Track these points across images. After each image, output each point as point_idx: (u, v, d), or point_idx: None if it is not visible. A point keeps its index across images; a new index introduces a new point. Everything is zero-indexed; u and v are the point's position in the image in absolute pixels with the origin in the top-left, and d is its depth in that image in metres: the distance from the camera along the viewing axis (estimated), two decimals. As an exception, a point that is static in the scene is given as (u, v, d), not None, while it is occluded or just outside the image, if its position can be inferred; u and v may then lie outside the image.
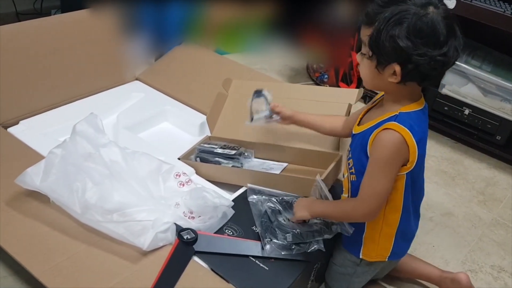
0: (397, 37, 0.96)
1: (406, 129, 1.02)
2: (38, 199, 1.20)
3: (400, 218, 1.15)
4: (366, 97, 2.37)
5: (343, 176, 1.22)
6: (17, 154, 1.38)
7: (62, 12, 2.47)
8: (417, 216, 1.23)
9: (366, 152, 1.07)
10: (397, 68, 0.99)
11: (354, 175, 1.14)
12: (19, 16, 2.54)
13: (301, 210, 1.19)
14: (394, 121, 1.03)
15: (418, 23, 0.95)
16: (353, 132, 1.17)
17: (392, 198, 1.11)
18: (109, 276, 1.05)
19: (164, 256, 1.10)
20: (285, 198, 1.27)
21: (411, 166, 1.06)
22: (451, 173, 1.93)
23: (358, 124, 1.17)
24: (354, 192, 1.14)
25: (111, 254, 1.10)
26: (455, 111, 2.07)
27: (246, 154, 1.52)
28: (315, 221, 1.20)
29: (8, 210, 1.18)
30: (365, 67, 1.06)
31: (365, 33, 1.02)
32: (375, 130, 1.05)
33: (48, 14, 2.60)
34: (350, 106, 1.47)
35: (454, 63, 1.01)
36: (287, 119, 1.38)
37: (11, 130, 1.49)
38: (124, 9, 2.00)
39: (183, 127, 1.72)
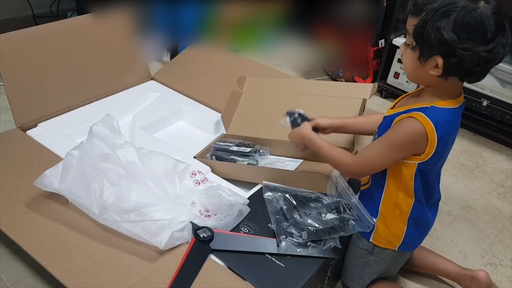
0: (443, 29, 0.94)
1: (431, 123, 1.01)
2: (57, 200, 1.22)
3: (412, 205, 1.14)
4: (382, 91, 2.36)
5: None
6: (36, 156, 1.41)
7: (78, 14, 2.51)
8: (432, 210, 1.22)
9: None
10: (440, 60, 0.98)
11: None
12: (36, 19, 2.57)
13: (297, 139, 1.25)
14: (423, 112, 1.02)
15: (466, 17, 0.93)
16: (385, 115, 1.17)
17: (403, 182, 1.12)
18: (127, 275, 1.07)
19: (181, 255, 1.11)
20: (299, 193, 1.27)
21: (424, 158, 1.06)
22: (469, 166, 1.91)
23: (392, 108, 1.17)
24: (374, 176, 1.17)
25: (128, 254, 1.11)
26: (473, 102, 2.04)
27: (261, 151, 1.52)
28: (331, 217, 1.20)
29: (28, 212, 1.21)
30: (407, 57, 1.05)
31: (411, 23, 1.01)
32: (401, 115, 1.05)
33: (64, 16, 2.64)
34: (364, 101, 1.47)
35: (500, 61, 0.98)
36: (326, 130, 1.30)
37: (29, 132, 1.52)
38: (139, 9, 2.02)
39: (199, 125, 1.73)
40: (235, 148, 1.49)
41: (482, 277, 1.28)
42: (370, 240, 1.20)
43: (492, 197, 1.75)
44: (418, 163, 1.08)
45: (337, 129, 1.32)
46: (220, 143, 1.53)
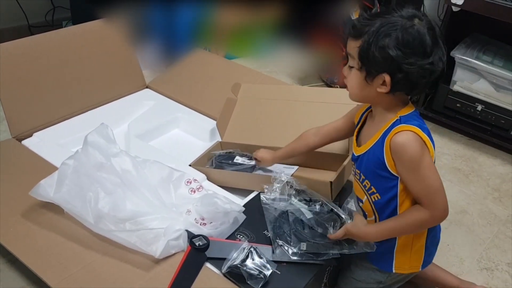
0: (387, 47, 0.97)
1: (415, 127, 1.02)
2: (53, 210, 1.22)
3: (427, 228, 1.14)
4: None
5: (361, 202, 1.18)
6: (31, 166, 1.41)
7: (73, 23, 2.51)
8: None
9: (385, 167, 1.05)
10: (387, 77, 1.00)
11: (376, 194, 1.11)
12: (31, 29, 2.58)
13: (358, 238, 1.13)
14: (400, 124, 1.03)
15: (406, 34, 0.97)
16: (356, 154, 1.15)
17: None
18: (123, 285, 1.07)
19: (176, 263, 1.11)
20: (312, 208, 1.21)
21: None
22: (465, 171, 1.92)
23: (358, 146, 1.15)
24: (381, 212, 1.12)
25: (124, 263, 1.12)
26: (468, 107, 2.05)
27: None
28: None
29: (23, 222, 1.21)
30: (353, 79, 1.06)
31: (352, 46, 1.03)
32: (385, 140, 1.04)
33: (59, 25, 2.64)
34: (358, 106, 1.47)
35: (440, 73, 1.01)
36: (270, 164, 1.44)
37: (25, 142, 1.52)
38: (134, 17, 2.02)
39: (194, 133, 1.74)
40: (239, 160, 1.49)
41: None
42: (393, 271, 1.17)
43: (488, 202, 1.76)
44: None
45: (282, 161, 1.43)
46: (222, 153, 1.52)
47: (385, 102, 1.07)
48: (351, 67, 1.06)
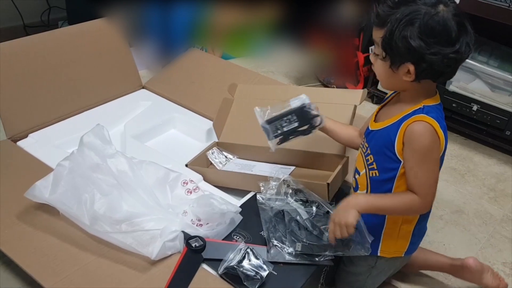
0: (410, 37, 0.97)
1: (435, 120, 1.03)
2: (48, 211, 1.22)
3: (419, 215, 1.15)
4: (373, 97, 2.37)
5: (358, 174, 1.20)
6: (26, 167, 1.40)
7: (69, 23, 2.51)
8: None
9: (393, 148, 1.07)
10: (411, 67, 1.00)
11: (375, 171, 1.13)
12: (27, 29, 2.57)
13: (347, 214, 1.07)
14: (422, 113, 1.04)
15: (430, 22, 0.96)
16: (370, 128, 1.15)
17: None
18: (118, 286, 1.07)
19: (172, 265, 1.11)
20: (309, 209, 1.22)
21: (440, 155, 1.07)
22: (461, 170, 1.92)
23: (375, 121, 1.16)
24: (374, 188, 1.15)
25: (120, 264, 1.11)
26: (463, 107, 2.06)
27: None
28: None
29: (19, 223, 1.20)
30: (379, 67, 1.07)
31: (377, 35, 1.03)
32: (402, 124, 1.05)
33: (55, 26, 2.63)
34: (355, 107, 1.47)
35: (466, 58, 1.02)
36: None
37: (20, 143, 1.51)
38: (130, 17, 2.02)
39: (191, 133, 1.73)
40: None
41: (472, 264, 1.29)
42: (378, 254, 1.19)
43: (484, 201, 1.76)
44: None
45: (324, 129, 1.29)
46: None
47: (412, 89, 1.08)
48: (376, 55, 1.06)
